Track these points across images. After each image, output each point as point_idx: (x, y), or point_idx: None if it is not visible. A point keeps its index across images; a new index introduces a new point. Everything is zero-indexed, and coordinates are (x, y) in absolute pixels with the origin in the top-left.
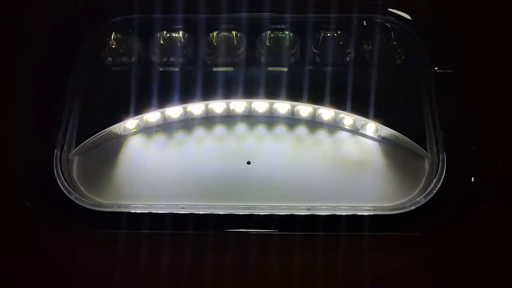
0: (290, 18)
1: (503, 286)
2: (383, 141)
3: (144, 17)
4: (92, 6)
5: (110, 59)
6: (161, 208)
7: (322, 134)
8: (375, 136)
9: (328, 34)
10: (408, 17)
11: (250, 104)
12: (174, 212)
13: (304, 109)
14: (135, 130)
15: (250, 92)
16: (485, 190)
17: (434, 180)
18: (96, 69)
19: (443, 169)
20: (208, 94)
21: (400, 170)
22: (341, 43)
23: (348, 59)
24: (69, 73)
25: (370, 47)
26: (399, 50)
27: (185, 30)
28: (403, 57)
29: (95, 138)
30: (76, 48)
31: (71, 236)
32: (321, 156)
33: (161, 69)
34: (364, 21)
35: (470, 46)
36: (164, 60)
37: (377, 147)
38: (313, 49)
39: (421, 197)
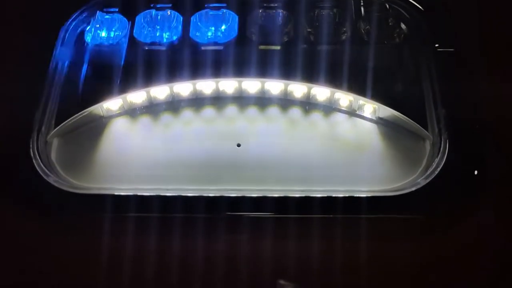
0: None
1: (505, 270)
2: (381, 122)
3: None
4: None
5: (93, 37)
6: (147, 191)
7: (317, 115)
8: (373, 117)
9: (323, 12)
10: None
11: (240, 84)
12: (160, 194)
13: (298, 89)
14: (119, 111)
15: (240, 71)
16: (488, 172)
17: (436, 161)
18: (79, 47)
19: (445, 150)
20: (196, 73)
21: (400, 151)
22: (337, 20)
23: (344, 37)
24: (51, 51)
25: (367, 26)
26: (397, 29)
27: (172, 8)
28: (402, 36)
29: (75, 119)
30: (59, 26)
31: (48, 220)
32: (316, 138)
33: (146, 48)
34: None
35: (471, 24)
36: (151, 38)
37: (375, 128)
38: (308, 27)
39: (421, 178)
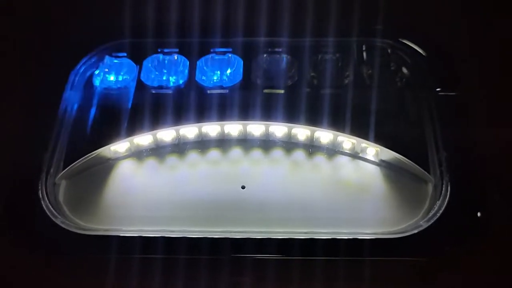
0: (287, 41)
1: None
2: (384, 164)
3: (136, 41)
4: (86, 31)
5: (102, 81)
6: (152, 232)
7: (320, 158)
8: (376, 160)
9: (326, 57)
10: (411, 44)
11: (245, 127)
12: (165, 236)
13: (302, 132)
14: (126, 153)
15: (245, 115)
16: (490, 213)
17: (438, 203)
18: (88, 91)
19: (447, 192)
20: (202, 116)
21: (402, 194)
22: (340, 65)
23: (347, 81)
24: (60, 95)
25: (369, 70)
26: (399, 73)
27: (179, 52)
28: (403, 80)
29: (83, 161)
30: (69, 70)
31: (55, 260)
32: (319, 181)
33: (153, 91)
34: (363, 45)
35: (472, 68)
36: (158, 82)
37: (378, 171)
38: (311, 72)
39: (423, 220)
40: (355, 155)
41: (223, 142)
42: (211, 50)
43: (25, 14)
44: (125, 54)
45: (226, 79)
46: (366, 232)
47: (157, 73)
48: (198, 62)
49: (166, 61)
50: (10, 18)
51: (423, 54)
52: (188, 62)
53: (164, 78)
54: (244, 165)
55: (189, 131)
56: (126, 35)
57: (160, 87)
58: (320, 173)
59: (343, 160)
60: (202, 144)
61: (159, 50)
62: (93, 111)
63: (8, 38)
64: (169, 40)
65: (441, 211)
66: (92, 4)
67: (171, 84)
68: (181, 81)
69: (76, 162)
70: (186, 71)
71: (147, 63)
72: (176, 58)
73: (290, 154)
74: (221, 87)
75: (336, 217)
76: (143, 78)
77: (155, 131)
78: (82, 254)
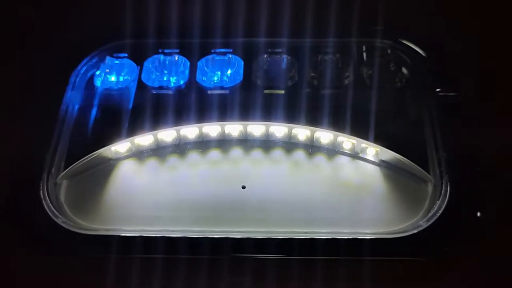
0: (287, 42)
1: None
2: (384, 164)
3: (137, 41)
4: (87, 32)
5: (103, 81)
6: (152, 232)
7: (320, 158)
8: (376, 160)
9: (326, 57)
10: (411, 44)
11: (246, 127)
12: (166, 235)
13: (302, 132)
14: (126, 154)
15: (246, 115)
16: (489, 213)
17: (437, 203)
18: (89, 91)
19: (446, 192)
20: (202, 117)
21: (402, 194)
22: (340, 65)
23: (347, 82)
24: (62, 95)
25: (369, 70)
26: (399, 74)
27: (180, 53)
28: (403, 80)
29: (84, 161)
30: (70, 71)
31: (56, 260)
32: (319, 181)
33: (154, 92)
34: (363, 45)
35: (472, 68)
36: (159, 82)
37: (378, 171)
38: (311, 72)
39: (423, 220)
40: (355, 155)
41: (223, 143)
42: (212, 51)
43: (26, 14)
44: (126, 55)
45: (227, 79)
46: (366, 232)
47: (158, 73)
48: (198, 63)
49: (166, 62)
50: (11, 18)
51: (423, 54)
52: (188, 63)
53: (165, 78)
54: (245, 165)
55: (190, 131)
56: (126, 35)
57: (161, 88)
58: (320, 173)
59: (343, 160)
60: (203, 144)
61: (160, 51)
62: (94, 111)
63: (9, 38)
64: (169, 41)
65: (441, 211)
66: (92, 5)
67: (172, 84)
68: (181, 82)
69: (77, 162)
70: (187, 71)
71: (148, 63)
72: (176, 58)
73: (290, 154)
74: (222, 88)
75: (336, 217)
76: (144, 78)
77: (155, 132)
78: (83, 254)
